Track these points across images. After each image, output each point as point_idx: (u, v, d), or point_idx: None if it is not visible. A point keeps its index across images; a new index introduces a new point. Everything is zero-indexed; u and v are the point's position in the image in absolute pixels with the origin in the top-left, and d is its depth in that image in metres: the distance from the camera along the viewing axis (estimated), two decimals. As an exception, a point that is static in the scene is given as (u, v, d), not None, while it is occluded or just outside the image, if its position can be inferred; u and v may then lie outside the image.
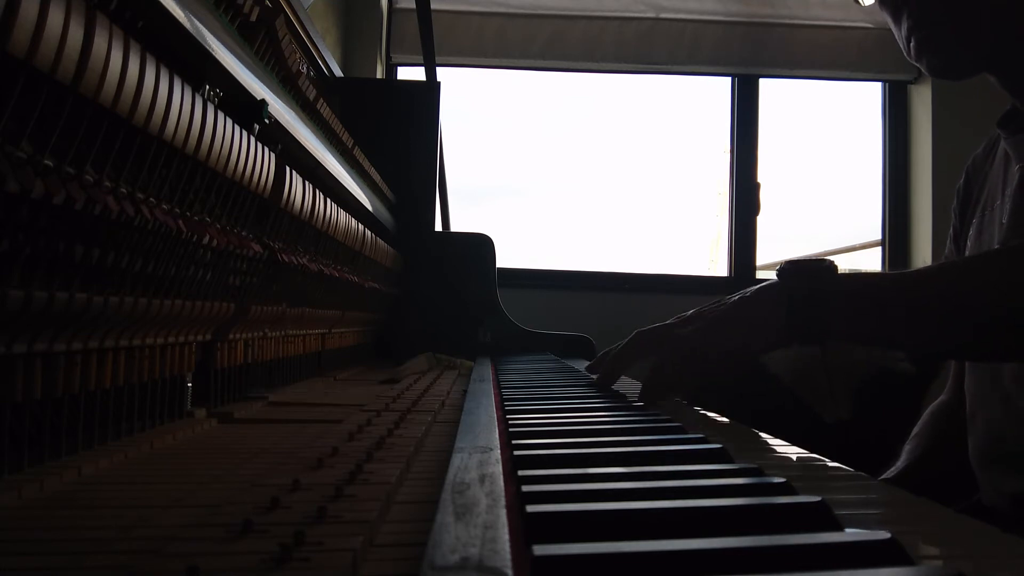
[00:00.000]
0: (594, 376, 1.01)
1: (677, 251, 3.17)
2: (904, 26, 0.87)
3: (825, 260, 0.80)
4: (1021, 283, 0.72)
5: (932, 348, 0.92)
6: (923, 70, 0.88)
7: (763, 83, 2.69)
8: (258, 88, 0.77)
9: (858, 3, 0.98)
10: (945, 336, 0.77)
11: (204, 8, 0.65)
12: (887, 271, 2.49)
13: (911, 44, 0.87)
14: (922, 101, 2.64)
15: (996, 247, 0.92)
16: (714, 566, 0.28)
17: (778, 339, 0.78)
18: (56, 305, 0.45)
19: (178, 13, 0.58)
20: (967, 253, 1.00)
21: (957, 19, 0.84)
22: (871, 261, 2.85)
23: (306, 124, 0.98)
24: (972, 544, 0.34)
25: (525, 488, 0.37)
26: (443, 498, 0.36)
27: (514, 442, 0.51)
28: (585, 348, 1.73)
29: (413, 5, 2.06)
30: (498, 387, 0.91)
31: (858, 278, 0.79)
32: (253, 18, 0.81)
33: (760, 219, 2.66)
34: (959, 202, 1.05)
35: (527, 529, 0.32)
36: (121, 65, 0.47)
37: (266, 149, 0.75)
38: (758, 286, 0.81)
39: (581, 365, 1.27)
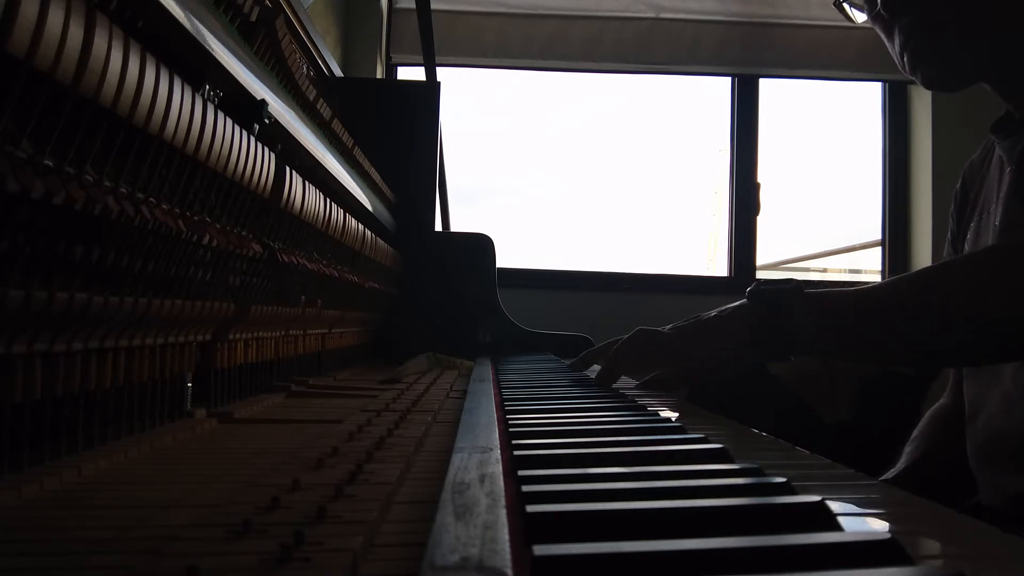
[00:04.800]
0: (577, 372, 1.05)
1: (675, 250, 3.16)
2: (897, 41, 0.88)
3: (792, 280, 0.86)
4: (992, 288, 0.73)
5: (898, 360, 0.97)
6: (918, 82, 0.89)
7: (763, 83, 2.69)
8: (258, 88, 0.77)
9: (851, 20, 0.99)
10: (909, 347, 0.81)
11: (204, 8, 0.65)
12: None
13: (905, 58, 0.88)
14: (922, 101, 2.64)
15: (965, 253, 0.95)
16: (714, 566, 0.28)
17: (744, 353, 0.85)
18: (56, 305, 0.45)
19: (178, 13, 0.58)
20: None
21: (952, 30, 0.85)
22: (871, 261, 2.85)
23: (306, 124, 0.98)
24: (972, 544, 0.34)
25: (525, 488, 0.37)
26: (443, 498, 0.36)
27: (514, 442, 0.51)
28: (585, 348, 1.73)
29: (413, 5, 2.06)
30: (498, 387, 0.91)
31: (822, 296, 0.83)
32: (253, 18, 0.81)
33: (760, 219, 2.66)
34: (956, 206, 1.06)
35: (527, 529, 0.32)
36: (121, 65, 0.47)
37: (266, 149, 0.75)
38: (734, 304, 0.88)
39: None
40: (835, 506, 0.35)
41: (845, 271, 3.21)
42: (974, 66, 0.88)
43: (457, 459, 0.45)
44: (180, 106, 0.55)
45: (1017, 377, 0.87)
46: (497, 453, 0.47)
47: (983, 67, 0.88)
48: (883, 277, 2.71)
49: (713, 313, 0.90)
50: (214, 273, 0.69)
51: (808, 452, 0.55)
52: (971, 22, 0.84)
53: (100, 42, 0.44)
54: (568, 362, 1.12)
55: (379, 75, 2.54)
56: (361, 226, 1.21)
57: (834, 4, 0.98)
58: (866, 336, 0.81)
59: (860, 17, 0.97)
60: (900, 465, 1.05)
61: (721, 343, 0.87)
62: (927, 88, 0.91)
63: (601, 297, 2.51)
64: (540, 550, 0.28)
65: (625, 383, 1.05)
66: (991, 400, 0.91)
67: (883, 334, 0.80)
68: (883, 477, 1.02)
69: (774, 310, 0.82)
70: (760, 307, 0.83)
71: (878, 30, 0.91)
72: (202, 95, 0.60)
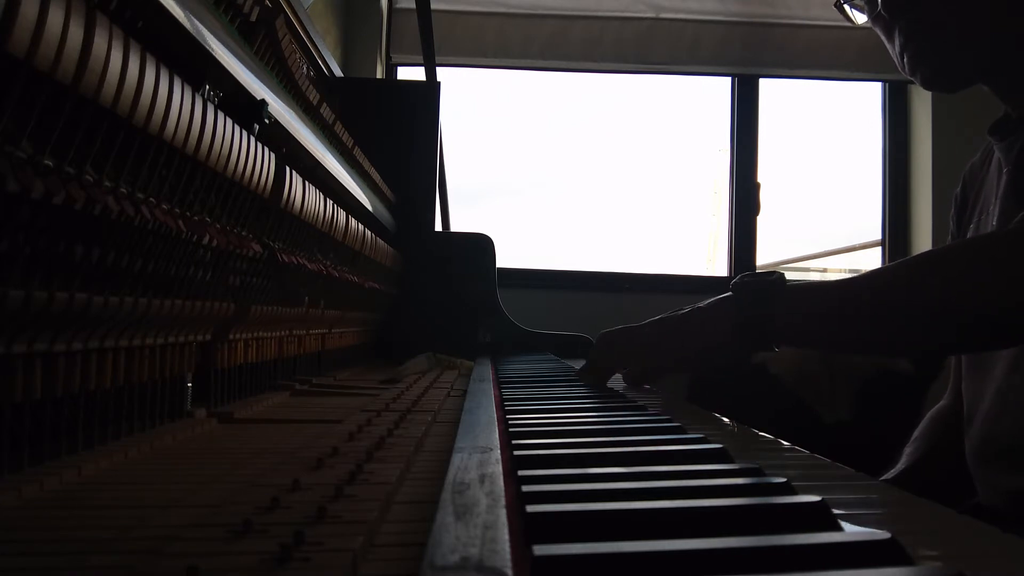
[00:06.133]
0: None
1: (675, 250, 3.17)
2: (897, 42, 0.89)
3: (775, 272, 0.85)
4: (993, 276, 0.74)
5: (883, 351, 0.97)
6: (918, 83, 0.89)
7: (763, 83, 2.69)
8: (258, 88, 0.77)
9: (852, 21, 0.99)
10: (895, 338, 0.81)
11: (204, 8, 0.65)
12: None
13: (904, 59, 0.88)
14: (922, 101, 2.64)
15: (964, 239, 0.95)
16: (714, 566, 0.28)
17: (726, 344, 0.85)
18: (56, 305, 0.45)
19: (178, 13, 0.58)
20: None
21: (951, 30, 0.85)
22: (871, 261, 2.85)
23: (306, 124, 0.98)
24: (972, 544, 0.34)
25: (525, 488, 0.37)
26: (443, 498, 0.36)
27: (514, 442, 0.51)
28: (585, 348, 1.73)
29: (413, 5, 2.06)
30: (498, 387, 0.91)
31: (803, 287, 0.84)
32: (253, 18, 0.81)
33: (760, 219, 2.66)
34: (956, 209, 1.06)
35: (527, 529, 0.32)
36: (121, 65, 0.47)
37: (266, 149, 0.75)
38: (716, 297, 0.88)
39: (581, 365, 1.27)
40: (835, 506, 0.35)
41: (845, 271, 3.21)
42: (974, 66, 0.88)
43: (457, 459, 0.45)
44: (180, 106, 0.55)
45: (1009, 375, 0.87)
46: (497, 453, 0.47)
47: (983, 68, 0.88)
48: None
49: (687, 309, 0.89)
50: (214, 273, 0.69)
51: (808, 452, 0.55)
52: (971, 23, 0.84)
53: (100, 42, 0.44)
54: (575, 369, 1.12)
55: (379, 75, 2.54)
56: (361, 226, 1.21)
57: (835, 5, 0.98)
58: (848, 330, 0.81)
59: (860, 18, 0.97)
60: (900, 466, 1.05)
61: (703, 336, 0.87)
62: (926, 89, 0.91)
63: (601, 297, 2.51)
64: (540, 550, 0.28)
65: (624, 383, 1.05)
66: (986, 398, 0.91)
67: (866, 327, 0.80)
68: (883, 477, 1.02)
69: (755, 302, 0.81)
70: (742, 300, 0.82)
71: (878, 31, 0.91)
72: (202, 95, 0.60)
